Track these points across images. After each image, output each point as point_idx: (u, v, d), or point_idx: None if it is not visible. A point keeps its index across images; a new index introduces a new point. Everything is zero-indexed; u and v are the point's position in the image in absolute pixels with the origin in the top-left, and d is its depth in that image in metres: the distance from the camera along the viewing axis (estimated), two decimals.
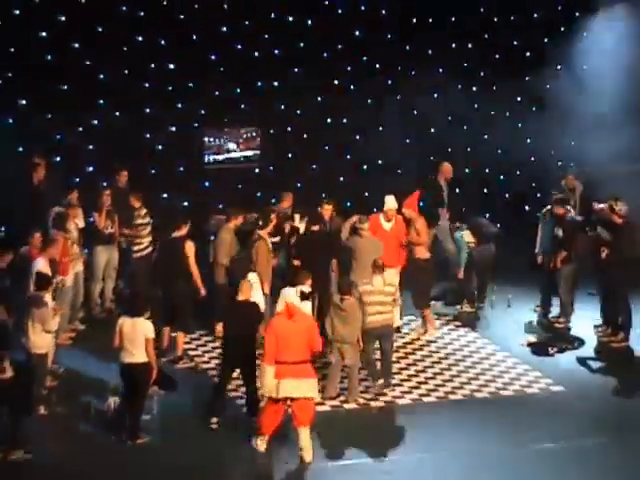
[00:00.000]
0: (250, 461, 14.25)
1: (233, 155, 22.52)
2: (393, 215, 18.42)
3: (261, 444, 14.41)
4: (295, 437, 14.21)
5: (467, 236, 20.07)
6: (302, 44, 22.33)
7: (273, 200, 20.08)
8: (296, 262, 17.79)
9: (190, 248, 17.41)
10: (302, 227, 18.71)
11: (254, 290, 16.50)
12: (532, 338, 18.45)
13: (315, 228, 18.23)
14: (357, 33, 22.66)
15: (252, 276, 16.90)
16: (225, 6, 21.68)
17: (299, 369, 14.14)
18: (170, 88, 21.68)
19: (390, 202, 18.43)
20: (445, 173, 21.14)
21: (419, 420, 15.51)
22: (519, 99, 23.76)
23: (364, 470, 14.06)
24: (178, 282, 17.27)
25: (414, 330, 18.73)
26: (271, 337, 14.29)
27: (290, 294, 15.15)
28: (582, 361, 17.76)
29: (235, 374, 15.65)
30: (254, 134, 22.56)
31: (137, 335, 14.48)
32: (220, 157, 22.49)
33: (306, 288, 15.95)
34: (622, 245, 17.96)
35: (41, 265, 15.91)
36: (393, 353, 16.75)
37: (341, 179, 22.81)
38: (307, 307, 15.88)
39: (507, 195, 22.99)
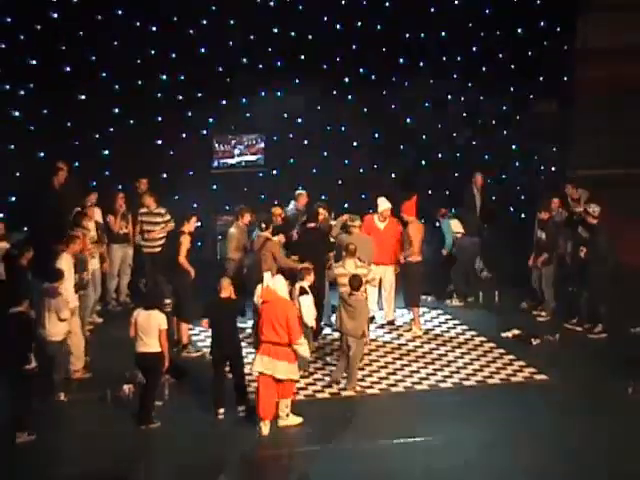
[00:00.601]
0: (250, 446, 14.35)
1: (239, 160, 22.58)
2: (387, 216, 18.55)
3: (264, 428, 14.55)
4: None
5: (455, 225, 20.20)
6: (302, 57, 22.34)
7: (276, 202, 20.00)
8: (293, 257, 17.76)
9: (185, 239, 17.53)
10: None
11: (278, 286, 16.30)
12: (517, 331, 18.41)
13: (311, 226, 18.24)
14: (354, 47, 22.67)
15: (267, 275, 16.90)
16: None
17: (275, 350, 14.39)
18: (180, 98, 21.73)
19: (383, 204, 18.57)
20: (477, 183, 21.22)
21: (411, 406, 15.70)
22: (504, 108, 23.80)
23: (358, 454, 14.09)
24: (177, 272, 17.40)
25: (401, 326, 18.82)
26: (258, 318, 14.88)
27: (267, 278, 15.29)
28: (563, 351, 17.77)
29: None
30: (258, 140, 22.57)
31: (151, 326, 14.61)
32: (227, 162, 22.55)
33: (306, 283, 16.17)
34: (598, 244, 18.24)
35: (63, 261, 16.06)
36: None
37: (339, 182, 22.85)
38: (307, 301, 16.06)
39: (493, 198, 23.04)
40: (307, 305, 16.11)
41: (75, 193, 19.38)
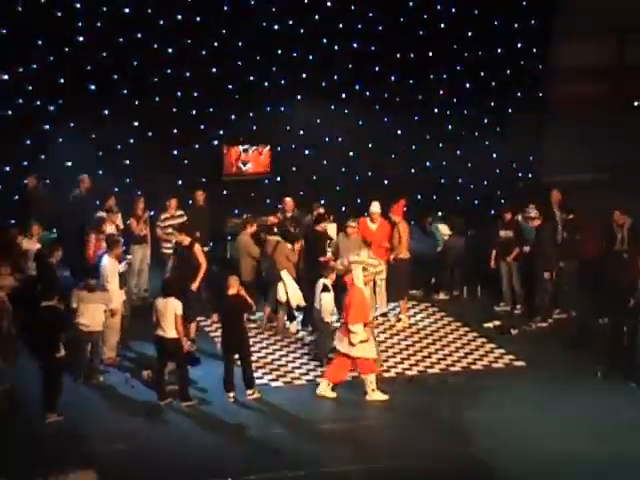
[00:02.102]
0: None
1: (247, 168, 22.38)
2: (376, 217, 18.51)
3: (327, 389, 14.97)
4: None
5: (443, 228, 20.22)
6: (304, 75, 22.31)
7: (279, 205, 20.20)
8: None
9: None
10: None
11: (288, 282, 17.14)
12: (497, 322, 18.46)
13: (320, 227, 18.37)
14: (350, 66, 22.58)
15: (284, 274, 17.30)
16: None
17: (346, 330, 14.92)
18: (194, 112, 21.72)
19: (374, 207, 18.58)
20: (555, 200, 20.05)
21: (403, 390, 15.67)
22: (485, 121, 23.77)
23: (347, 431, 14.26)
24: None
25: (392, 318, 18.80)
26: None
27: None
28: (539, 340, 17.82)
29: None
30: (264, 150, 22.43)
31: (168, 312, 14.75)
32: (236, 169, 22.36)
33: (328, 281, 16.26)
34: (540, 241, 18.42)
35: (108, 264, 16.16)
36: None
37: (337, 188, 22.82)
38: (328, 297, 16.18)
39: (476, 201, 23.04)
40: (327, 302, 16.24)
41: (98, 198, 19.51)
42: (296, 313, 18.13)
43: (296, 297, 17.56)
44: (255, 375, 15.55)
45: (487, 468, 13.19)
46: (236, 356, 15.18)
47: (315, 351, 16.74)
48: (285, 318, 17.91)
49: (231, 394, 15.06)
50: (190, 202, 20.05)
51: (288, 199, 19.67)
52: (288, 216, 19.17)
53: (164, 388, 15.00)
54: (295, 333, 17.92)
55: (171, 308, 14.79)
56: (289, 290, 17.45)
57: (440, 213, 21.11)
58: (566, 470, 13.04)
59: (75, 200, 19.67)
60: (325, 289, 16.22)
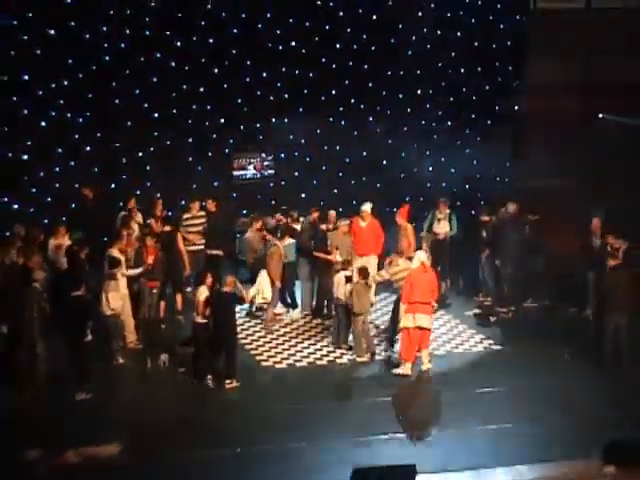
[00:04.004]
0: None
1: (254, 173, 22.39)
2: (366, 216, 18.53)
3: (407, 369, 15.15)
4: None
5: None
6: (305, 90, 22.22)
7: (284, 207, 20.18)
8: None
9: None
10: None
11: (263, 281, 17.22)
12: (478, 310, 18.56)
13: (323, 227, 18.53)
14: (346, 82, 22.54)
15: (262, 273, 17.38)
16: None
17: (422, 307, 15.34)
18: (207, 124, 21.67)
19: (364, 208, 18.63)
20: (595, 229, 18.50)
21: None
22: (467, 131, 23.72)
23: (347, 409, 14.37)
24: None
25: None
26: (407, 285, 15.32)
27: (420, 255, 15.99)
28: (515, 326, 17.89)
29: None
30: (270, 157, 22.42)
31: (200, 300, 14.97)
32: (244, 174, 22.37)
33: (348, 273, 16.52)
34: (507, 239, 18.54)
35: (114, 253, 16.38)
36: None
37: (334, 191, 22.69)
38: (349, 287, 16.29)
39: (458, 202, 23.04)
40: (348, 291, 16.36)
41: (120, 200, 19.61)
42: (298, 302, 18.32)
43: (258, 296, 17.57)
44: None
45: None
46: None
47: (334, 336, 16.73)
48: (275, 310, 17.94)
49: (228, 381, 14.90)
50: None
51: (332, 212, 19.28)
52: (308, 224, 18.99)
53: (200, 369, 14.96)
54: (297, 320, 17.99)
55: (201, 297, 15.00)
56: (257, 287, 17.48)
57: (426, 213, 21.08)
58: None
59: (101, 202, 19.74)
60: (348, 280, 16.35)
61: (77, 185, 20.24)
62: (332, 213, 19.03)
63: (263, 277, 17.52)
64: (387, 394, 14.83)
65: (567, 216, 19.75)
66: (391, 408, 14.49)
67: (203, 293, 15.06)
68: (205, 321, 14.94)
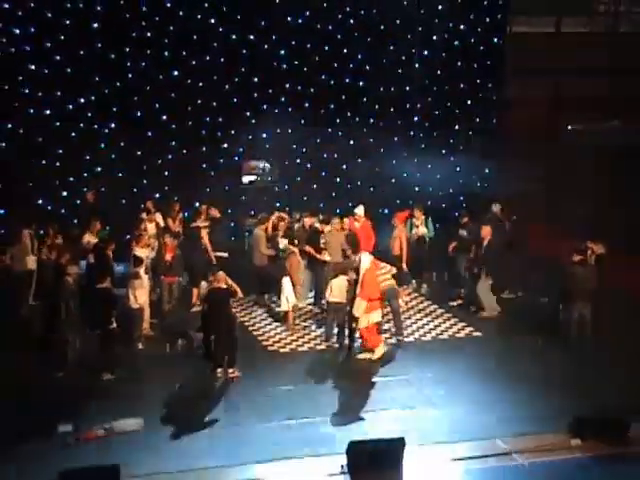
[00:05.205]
0: None
1: (261, 178, 22.53)
2: (359, 218, 18.50)
3: (379, 352, 15.11)
4: None
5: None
6: (306, 104, 22.31)
7: (287, 208, 20.24)
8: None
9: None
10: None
11: (288, 287, 16.62)
12: (460, 300, 18.44)
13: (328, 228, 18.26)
14: (343, 97, 22.62)
15: (285, 280, 16.73)
16: None
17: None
18: (219, 134, 21.82)
19: (359, 210, 18.61)
20: (498, 209, 19.14)
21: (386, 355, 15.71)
22: (451, 141, 23.77)
23: (345, 390, 14.26)
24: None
25: None
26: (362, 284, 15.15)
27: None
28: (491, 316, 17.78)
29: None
30: (274, 164, 22.54)
31: None
32: (252, 179, 22.52)
33: (348, 277, 15.88)
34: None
35: (137, 252, 16.42)
36: None
37: (332, 194, 22.81)
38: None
39: (443, 205, 23.07)
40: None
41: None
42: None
43: (284, 303, 16.81)
44: None
45: None
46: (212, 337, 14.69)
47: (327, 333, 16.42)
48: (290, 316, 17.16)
49: (219, 370, 14.55)
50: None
51: (336, 219, 18.65)
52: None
53: (216, 357, 14.73)
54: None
55: None
56: (282, 295, 16.82)
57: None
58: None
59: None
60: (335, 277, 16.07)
61: (102, 189, 20.41)
62: (337, 219, 18.63)
63: (287, 284, 16.79)
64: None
65: (539, 218, 19.79)
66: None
67: (205, 288, 15.10)
68: (202, 313, 14.98)
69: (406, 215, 18.93)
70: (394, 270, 16.86)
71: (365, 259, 15.60)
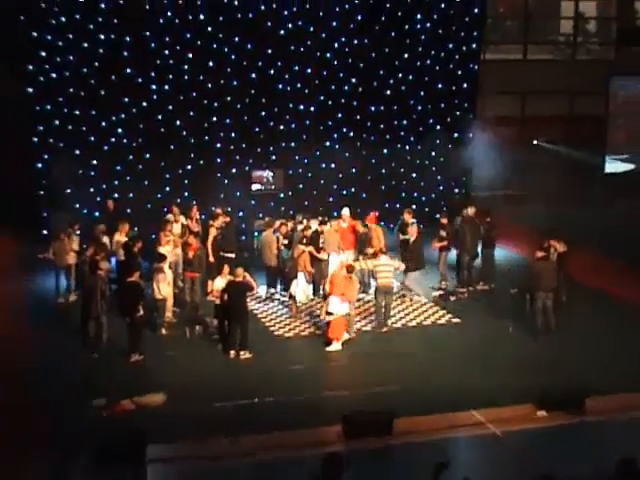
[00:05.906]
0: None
1: (268, 185, 22.33)
2: (345, 219, 18.41)
3: (338, 344, 14.86)
4: None
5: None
6: (307, 122, 22.22)
7: (291, 212, 20.21)
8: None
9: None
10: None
11: (301, 281, 16.49)
12: (441, 291, 18.40)
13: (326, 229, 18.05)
14: (339, 115, 22.48)
15: (300, 275, 16.65)
16: None
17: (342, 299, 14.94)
18: (232, 147, 21.73)
19: (344, 212, 18.52)
20: (474, 210, 18.78)
21: (374, 340, 15.81)
22: (433, 153, 23.46)
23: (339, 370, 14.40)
24: None
25: None
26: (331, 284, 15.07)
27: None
28: (470, 304, 17.77)
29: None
30: (280, 173, 22.36)
31: None
32: (260, 187, 22.34)
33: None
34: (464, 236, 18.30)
35: (160, 250, 16.43)
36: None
37: (330, 199, 22.58)
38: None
39: (426, 208, 23.01)
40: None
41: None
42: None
43: (300, 294, 16.69)
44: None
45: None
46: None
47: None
48: (295, 304, 16.80)
49: (232, 351, 14.65)
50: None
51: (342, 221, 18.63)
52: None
53: (230, 340, 14.73)
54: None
55: None
56: (298, 288, 16.69)
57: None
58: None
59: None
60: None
61: (131, 195, 20.42)
62: (333, 221, 18.58)
63: (302, 278, 16.67)
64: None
65: (510, 219, 19.76)
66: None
67: (219, 282, 15.10)
68: (220, 303, 14.90)
69: (377, 216, 18.69)
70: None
71: (334, 259, 15.62)
